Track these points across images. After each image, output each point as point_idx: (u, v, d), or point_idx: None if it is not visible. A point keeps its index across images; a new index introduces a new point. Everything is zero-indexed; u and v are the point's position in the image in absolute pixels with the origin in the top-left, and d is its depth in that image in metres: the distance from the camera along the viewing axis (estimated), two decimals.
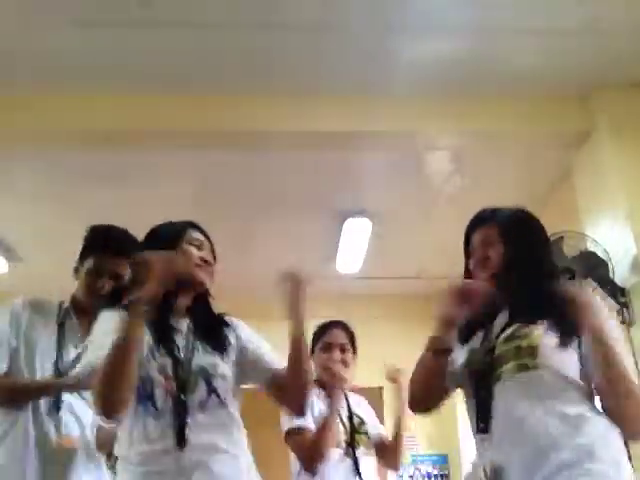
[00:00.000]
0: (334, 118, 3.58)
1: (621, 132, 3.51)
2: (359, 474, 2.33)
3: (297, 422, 2.24)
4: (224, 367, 1.66)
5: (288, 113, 3.58)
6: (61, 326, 2.04)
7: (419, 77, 3.44)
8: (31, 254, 5.20)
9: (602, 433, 1.44)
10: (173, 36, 3.16)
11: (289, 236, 5.10)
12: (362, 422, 2.51)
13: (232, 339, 1.73)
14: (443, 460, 6.13)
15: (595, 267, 3.31)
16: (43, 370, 1.96)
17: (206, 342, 1.66)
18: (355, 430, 2.44)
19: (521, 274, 1.64)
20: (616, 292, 3.25)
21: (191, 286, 1.71)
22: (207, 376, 1.61)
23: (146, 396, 1.54)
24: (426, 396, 1.73)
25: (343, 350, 2.52)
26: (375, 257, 5.31)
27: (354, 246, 5.13)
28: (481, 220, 1.78)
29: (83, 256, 2.10)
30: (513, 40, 3.24)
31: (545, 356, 1.51)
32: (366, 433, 2.47)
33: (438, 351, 1.64)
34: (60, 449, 1.90)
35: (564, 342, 1.52)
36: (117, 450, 1.61)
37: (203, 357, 1.64)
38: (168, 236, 1.76)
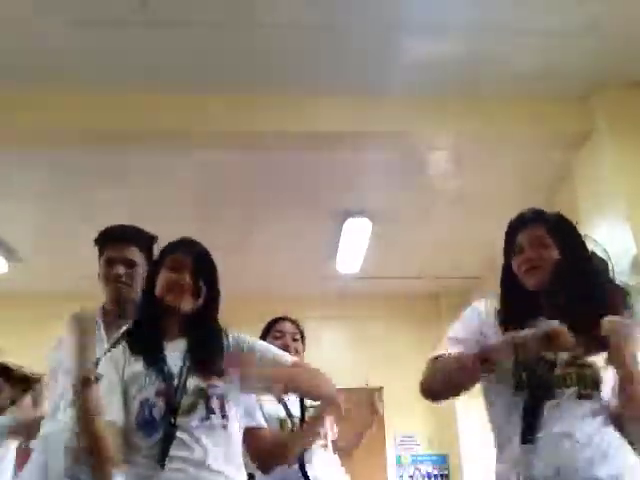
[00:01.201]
0: (334, 118, 3.58)
1: (621, 132, 3.51)
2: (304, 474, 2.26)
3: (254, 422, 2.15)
4: (223, 387, 1.65)
5: (288, 113, 3.58)
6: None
7: (419, 77, 3.44)
8: (31, 254, 5.20)
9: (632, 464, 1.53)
10: (173, 36, 3.16)
11: (289, 236, 5.10)
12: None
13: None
14: (443, 460, 6.14)
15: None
16: None
17: (202, 366, 1.66)
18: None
19: (575, 285, 1.64)
20: None
21: (168, 311, 1.72)
22: (205, 396, 1.61)
23: (146, 421, 1.57)
24: (447, 390, 1.72)
25: (294, 339, 2.56)
26: (375, 257, 5.31)
27: (354, 246, 5.13)
28: (528, 219, 1.75)
29: (99, 258, 2.12)
30: (513, 40, 3.24)
31: (605, 391, 1.58)
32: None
33: (487, 366, 1.58)
34: None
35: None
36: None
37: (200, 378, 1.64)
38: (154, 263, 1.82)
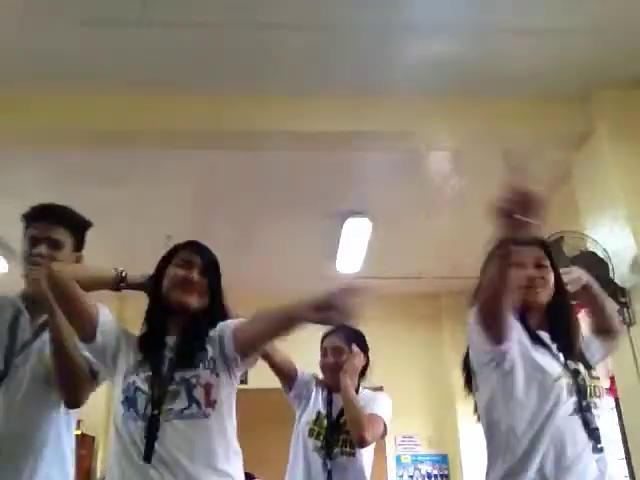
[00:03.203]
0: (334, 118, 3.58)
1: (621, 132, 3.51)
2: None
3: None
4: (208, 376, 1.66)
5: (288, 113, 3.58)
6: (15, 317, 1.93)
7: (419, 77, 3.44)
8: None
9: None
10: (173, 36, 3.16)
11: (289, 236, 5.10)
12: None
13: (212, 349, 1.71)
14: (443, 460, 6.14)
15: (595, 267, 3.30)
16: None
17: (183, 357, 1.68)
18: (335, 430, 2.42)
19: (566, 306, 1.87)
20: (616, 292, 3.24)
21: (175, 309, 1.75)
22: (188, 386, 1.63)
23: (130, 400, 1.62)
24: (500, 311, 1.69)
25: (336, 354, 2.54)
26: (375, 257, 5.31)
27: (354, 246, 5.13)
28: (529, 241, 1.86)
29: (24, 236, 2.00)
30: (513, 40, 3.24)
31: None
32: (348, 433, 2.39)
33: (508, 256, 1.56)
34: None
35: None
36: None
37: (185, 369, 1.66)
38: (159, 263, 1.84)
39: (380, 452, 6.01)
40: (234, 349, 1.69)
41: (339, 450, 2.36)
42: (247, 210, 4.74)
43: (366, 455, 2.43)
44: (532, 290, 1.84)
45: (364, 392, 2.57)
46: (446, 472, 6.11)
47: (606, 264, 3.32)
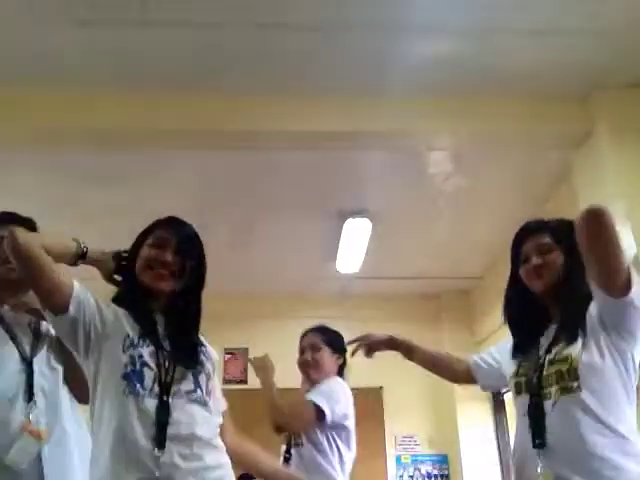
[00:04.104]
0: (334, 118, 3.57)
1: (621, 132, 3.51)
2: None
3: None
4: (208, 368, 1.68)
5: (288, 113, 3.57)
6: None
7: (419, 77, 3.44)
8: None
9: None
10: (173, 36, 3.15)
11: (289, 236, 5.10)
12: None
13: (205, 360, 1.71)
14: (443, 460, 6.13)
15: None
16: None
17: (182, 357, 1.65)
18: None
19: (578, 287, 1.71)
20: None
21: (149, 292, 1.70)
22: (195, 371, 1.63)
23: (134, 373, 1.54)
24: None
25: (313, 351, 2.72)
26: (375, 257, 5.31)
27: (354, 246, 5.13)
28: (532, 229, 1.86)
29: None
30: (513, 40, 3.24)
31: (585, 377, 1.63)
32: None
33: None
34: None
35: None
36: (93, 430, 1.60)
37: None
38: (135, 241, 1.77)
39: (380, 452, 6.02)
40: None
41: (293, 442, 2.54)
42: (247, 210, 4.74)
43: (324, 445, 2.50)
44: (534, 281, 1.79)
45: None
46: (446, 472, 6.10)
47: None
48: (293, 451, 2.51)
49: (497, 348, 2.04)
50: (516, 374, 1.79)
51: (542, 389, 1.67)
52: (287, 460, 2.50)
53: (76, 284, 1.60)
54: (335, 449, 2.48)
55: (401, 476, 6.07)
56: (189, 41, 3.20)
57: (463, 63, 3.37)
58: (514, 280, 1.88)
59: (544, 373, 1.69)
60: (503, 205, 4.50)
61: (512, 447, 1.81)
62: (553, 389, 1.65)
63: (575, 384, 1.63)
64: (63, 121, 3.50)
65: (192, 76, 3.45)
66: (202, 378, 1.64)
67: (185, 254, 1.71)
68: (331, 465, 2.44)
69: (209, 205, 4.60)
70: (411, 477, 6.08)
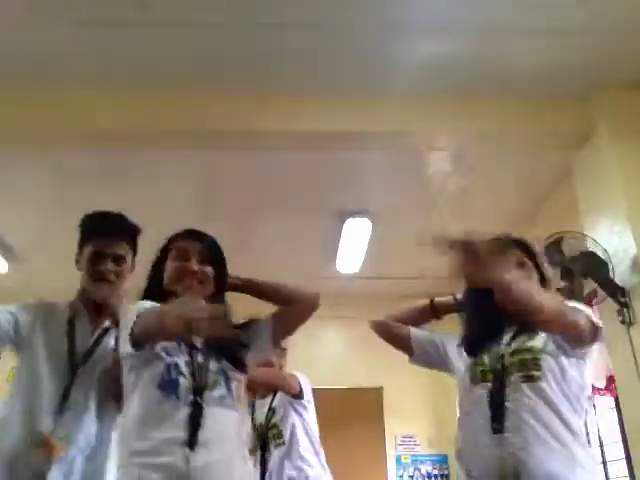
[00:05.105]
0: (334, 118, 3.58)
1: (621, 132, 3.51)
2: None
3: None
4: (238, 374, 1.70)
5: (288, 113, 3.58)
6: (71, 322, 1.96)
7: (419, 77, 3.44)
8: (31, 254, 5.20)
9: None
10: (173, 36, 3.16)
11: (289, 236, 5.10)
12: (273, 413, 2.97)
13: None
14: (443, 460, 6.13)
15: (595, 267, 3.30)
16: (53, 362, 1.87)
17: (223, 358, 1.67)
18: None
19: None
20: (616, 292, 3.24)
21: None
22: (226, 377, 1.64)
23: (170, 382, 1.55)
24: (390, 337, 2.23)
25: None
26: (375, 257, 5.31)
27: (354, 246, 5.13)
28: (506, 243, 1.97)
29: (82, 244, 2.01)
30: (513, 40, 3.24)
31: (546, 368, 1.67)
32: (276, 426, 2.93)
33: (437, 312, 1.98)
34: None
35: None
36: (120, 440, 1.63)
37: (221, 362, 1.66)
38: (156, 260, 1.80)
39: (380, 452, 6.02)
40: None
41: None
42: (247, 210, 4.74)
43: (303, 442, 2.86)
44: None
45: None
46: (446, 472, 6.10)
47: (606, 264, 3.31)
48: (272, 450, 2.93)
49: (441, 335, 2.22)
50: (475, 363, 1.81)
51: (505, 377, 1.71)
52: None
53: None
54: None
55: (401, 476, 6.07)
56: (189, 41, 3.20)
57: (463, 63, 3.37)
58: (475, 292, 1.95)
59: (506, 363, 1.73)
60: (503, 205, 4.51)
61: (456, 448, 1.78)
62: (513, 377, 1.69)
63: (537, 374, 1.67)
64: (63, 121, 3.50)
65: (192, 76, 3.45)
66: (233, 384, 1.65)
67: (209, 261, 1.75)
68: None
69: (209, 205, 4.60)
70: (411, 477, 6.07)
